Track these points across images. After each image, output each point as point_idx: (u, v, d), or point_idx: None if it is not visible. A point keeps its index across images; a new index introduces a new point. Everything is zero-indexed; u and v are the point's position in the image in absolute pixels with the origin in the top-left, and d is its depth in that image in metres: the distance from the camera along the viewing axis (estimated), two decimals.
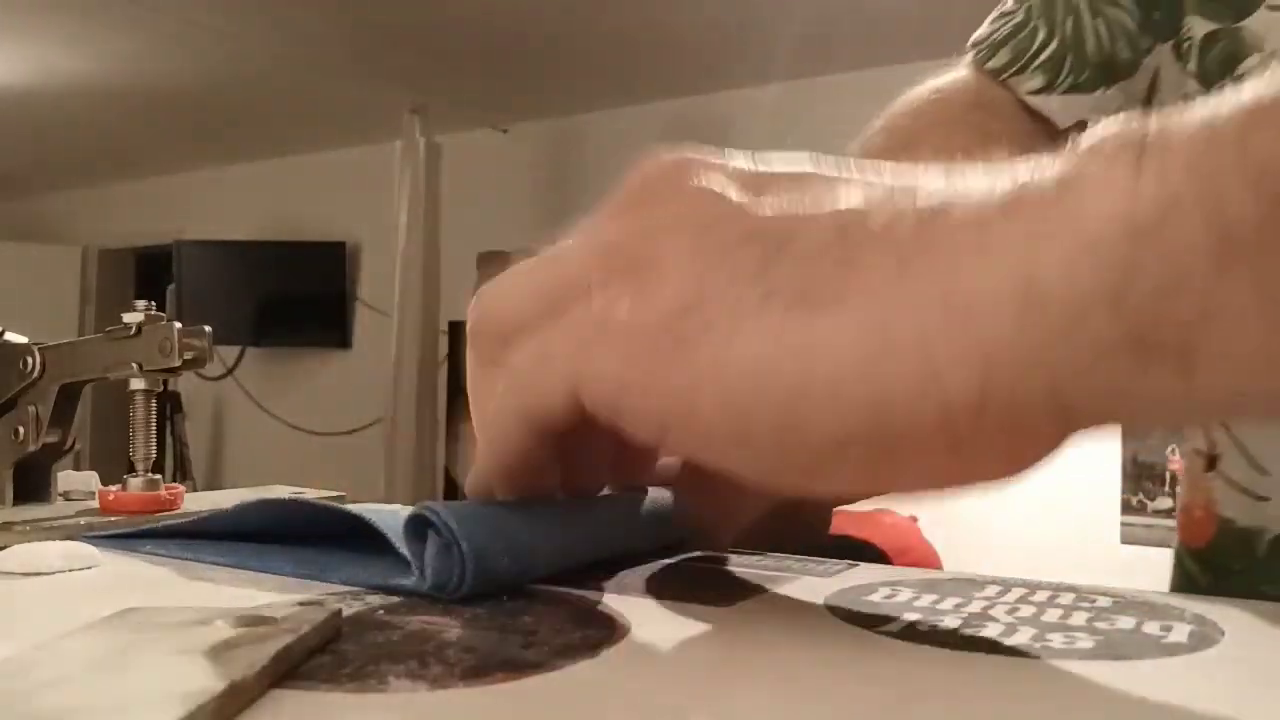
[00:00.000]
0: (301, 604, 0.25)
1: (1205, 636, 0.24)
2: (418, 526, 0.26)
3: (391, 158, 3.96)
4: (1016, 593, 0.28)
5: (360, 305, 4.67)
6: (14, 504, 0.46)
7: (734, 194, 0.23)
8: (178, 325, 0.44)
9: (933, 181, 0.22)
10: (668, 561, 0.32)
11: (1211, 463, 0.46)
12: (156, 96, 3.91)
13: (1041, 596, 0.28)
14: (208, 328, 0.44)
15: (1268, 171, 0.17)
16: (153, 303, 0.46)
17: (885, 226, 0.21)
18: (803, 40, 3.11)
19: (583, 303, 0.24)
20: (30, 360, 0.45)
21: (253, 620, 0.20)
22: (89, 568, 0.31)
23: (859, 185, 0.22)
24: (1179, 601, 0.27)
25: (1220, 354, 0.18)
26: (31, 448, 0.45)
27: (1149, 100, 0.50)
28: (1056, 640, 0.23)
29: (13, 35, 3.36)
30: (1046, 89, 0.51)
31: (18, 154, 4.77)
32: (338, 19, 3.15)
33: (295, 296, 4.57)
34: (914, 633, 0.24)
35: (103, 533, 0.36)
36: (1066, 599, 0.27)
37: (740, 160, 0.24)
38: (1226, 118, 0.18)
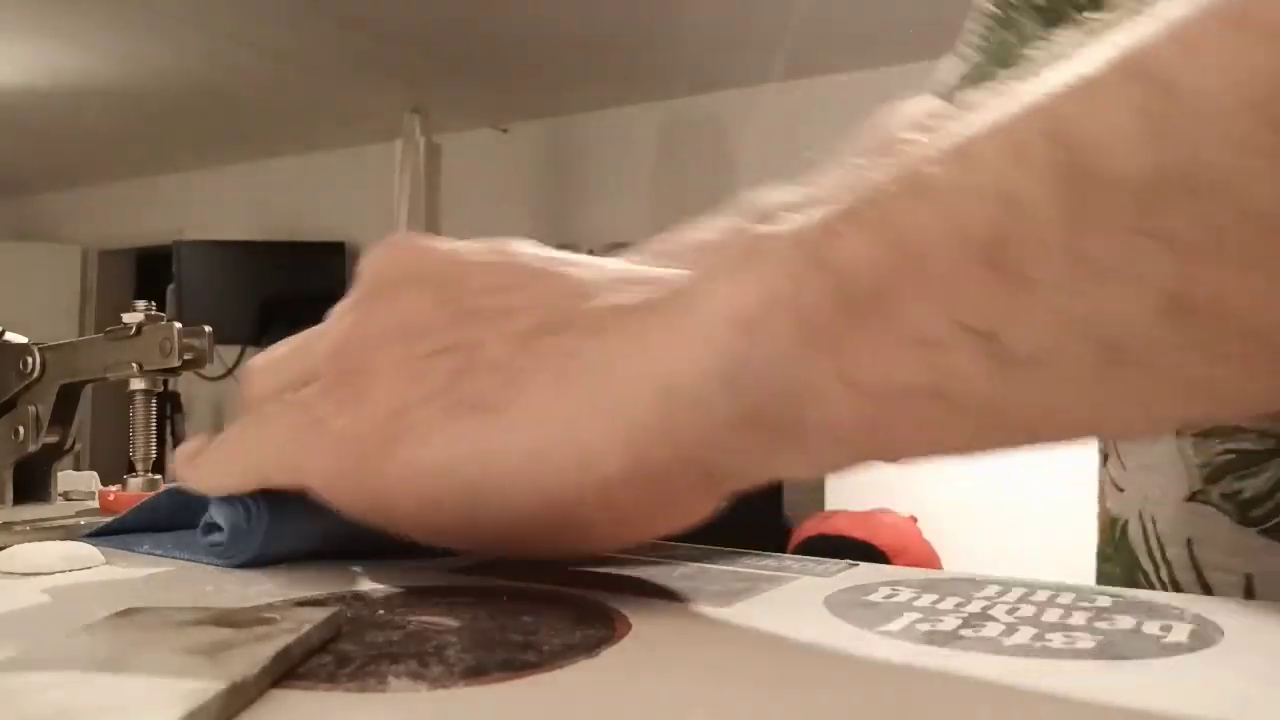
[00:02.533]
0: (301, 604, 0.25)
1: (1205, 636, 0.24)
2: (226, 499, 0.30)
3: (391, 158, 3.96)
4: (1016, 593, 0.28)
5: None
6: (14, 504, 0.46)
7: (444, 302, 0.26)
8: (178, 325, 0.44)
9: (613, 277, 0.26)
10: (667, 562, 0.32)
11: (1105, 459, 0.50)
12: (156, 96, 3.91)
13: (1041, 596, 0.28)
14: (208, 328, 0.44)
15: (839, 276, 0.20)
16: (153, 303, 0.46)
17: (557, 337, 0.25)
18: (802, 40, 3.11)
19: (312, 397, 0.27)
20: (30, 360, 0.45)
21: (253, 620, 0.20)
22: (89, 568, 0.31)
23: (554, 284, 0.26)
24: (1179, 601, 0.27)
25: (819, 427, 0.21)
26: (31, 448, 0.45)
27: None
28: (1056, 640, 0.23)
29: (12, 35, 3.36)
30: None
31: (18, 154, 4.77)
32: (338, 19, 3.15)
33: (295, 296, 4.56)
34: (914, 633, 0.24)
35: (98, 526, 0.36)
36: (1066, 599, 0.27)
37: (466, 252, 0.28)
38: (811, 226, 0.21)
